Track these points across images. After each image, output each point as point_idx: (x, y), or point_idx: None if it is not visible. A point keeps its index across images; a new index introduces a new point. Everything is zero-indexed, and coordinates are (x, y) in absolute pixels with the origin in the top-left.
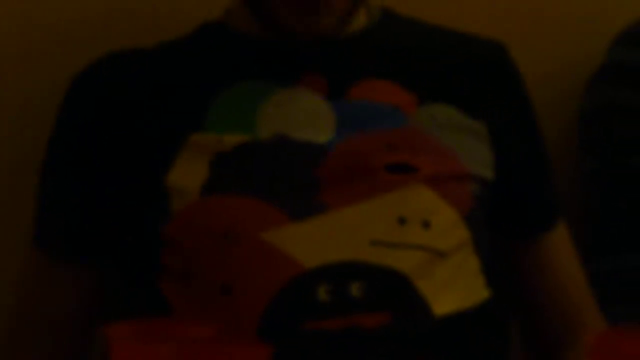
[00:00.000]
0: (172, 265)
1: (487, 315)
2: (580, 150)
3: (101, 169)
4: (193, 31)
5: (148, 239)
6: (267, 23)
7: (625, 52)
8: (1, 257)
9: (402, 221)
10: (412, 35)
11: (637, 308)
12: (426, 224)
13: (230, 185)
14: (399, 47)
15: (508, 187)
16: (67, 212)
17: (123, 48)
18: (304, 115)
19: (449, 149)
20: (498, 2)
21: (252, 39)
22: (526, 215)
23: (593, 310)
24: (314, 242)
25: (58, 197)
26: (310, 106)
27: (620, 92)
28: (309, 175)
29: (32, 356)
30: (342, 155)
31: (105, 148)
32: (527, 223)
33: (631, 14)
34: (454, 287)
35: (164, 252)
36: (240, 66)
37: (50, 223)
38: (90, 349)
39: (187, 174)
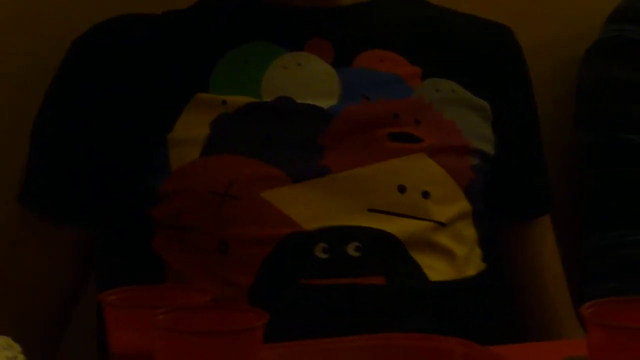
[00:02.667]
0: (167, 222)
1: (482, 286)
2: (576, 125)
3: (99, 127)
4: (196, 2)
5: (145, 195)
6: None
7: (619, 28)
8: None
9: (402, 189)
10: (420, 12)
11: (630, 283)
12: (426, 194)
13: (232, 145)
14: (406, 20)
15: (505, 167)
16: (61, 169)
17: (127, 14)
18: (310, 80)
19: (451, 122)
20: None
21: (258, 3)
22: (519, 199)
23: (568, 306)
24: (313, 205)
25: (51, 154)
26: (316, 71)
27: (615, 67)
28: (312, 139)
29: (15, 316)
30: (346, 121)
31: (104, 108)
32: (519, 206)
33: None
34: (451, 257)
35: (160, 208)
36: (246, 28)
37: (43, 181)
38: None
39: (189, 132)
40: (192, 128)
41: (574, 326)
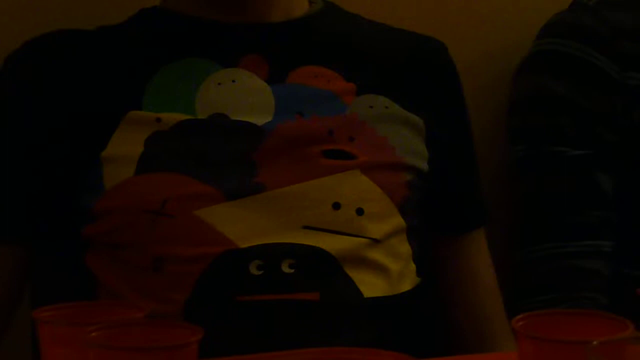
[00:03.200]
0: (100, 240)
1: (417, 301)
2: (508, 138)
3: (32, 144)
4: (132, 16)
5: (79, 213)
6: (206, 6)
7: (551, 42)
8: None
9: (336, 206)
10: (354, 27)
11: (562, 295)
12: (360, 211)
13: (166, 163)
14: (341, 37)
15: (439, 182)
16: None
17: (61, 29)
18: (244, 97)
19: (385, 138)
20: None
21: (192, 19)
22: (453, 212)
23: (502, 319)
24: (248, 223)
25: None
26: (251, 88)
27: (547, 80)
28: (246, 156)
29: None
30: (281, 138)
31: (39, 125)
32: (454, 220)
33: (556, 6)
34: (385, 273)
35: (94, 226)
36: (179, 44)
37: None
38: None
39: (122, 150)
40: (125, 146)
41: (507, 339)
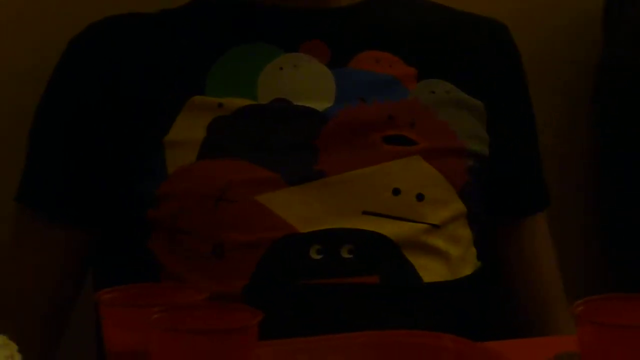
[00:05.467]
0: (162, 224)
1: (477, 285)
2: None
3: (96, 128)
4: (192, 1)
5: (141, 197)
6: None
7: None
8: None
9: (396, 192)
10: (415, 11)
11: None
12: (420, 197)
13: (228, 149)
14: (402, 21)
15: (500, 167)
16: (58, 169)
17: (123, 13)
18: (306, 82)
19: (446, 123)
20: None
21: (253, 4)
22: (514, 196)
23: (563, 302)
24: (308, 208)
25: (50, 156)
26: (312, 73)
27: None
28: (307, 142)
29: (18, 320)
30: (342, 123)
31: (102, 108)
32: (515, 204)
33: None
34: (445, 258)
35: (156, 210)
36: (241, 30)
37: (39, 179)
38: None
39: (185, 135)
40: (188, 131)
41: (567, 323)
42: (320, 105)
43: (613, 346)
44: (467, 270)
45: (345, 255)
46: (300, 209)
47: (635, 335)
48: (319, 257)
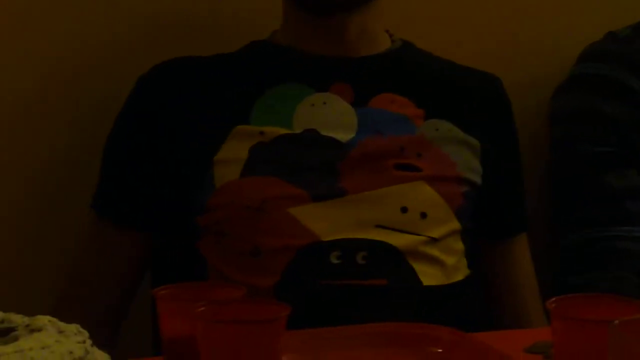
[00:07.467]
0: (210, 229)
1: (467, 289)
2: (551, 147)
3: (158, 150)
4: (243, 47)
5: (193, 207)
6: (306, 40)
7: (587, 67)
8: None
9: (404, 210)
10: (426, 63)
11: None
12: (423, 215)
13: (265, 168)
14: (414, 70)
15: (489, 194)
16: (128, 184)
17: (183, 56)
18: (333, 116)
19: (447, 156)
20: (483, 33)
21: (294, 51)
22: (500, 220)
23: (539, 309)
24: (330, 220)
25: (120, 172)
26: (338, 109)
27: (585, 97)
28: (332, 166)
29: (87, 311)
30: (361, 152)
31: (163, 134)
32: (500, 226)
33: (591, 36)
34: (442, 266)
35: (205, 217)
36: (283, 72)
37: (113, 194)
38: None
39: (231, 156)
40: (234, 153)
41: (538, 319)
42: (343, 137)
43: (579, 336)
44: (459, 276)
45: (360, 261)
46: (323, 221)
47: (599, 328)
48: (338, 261)
